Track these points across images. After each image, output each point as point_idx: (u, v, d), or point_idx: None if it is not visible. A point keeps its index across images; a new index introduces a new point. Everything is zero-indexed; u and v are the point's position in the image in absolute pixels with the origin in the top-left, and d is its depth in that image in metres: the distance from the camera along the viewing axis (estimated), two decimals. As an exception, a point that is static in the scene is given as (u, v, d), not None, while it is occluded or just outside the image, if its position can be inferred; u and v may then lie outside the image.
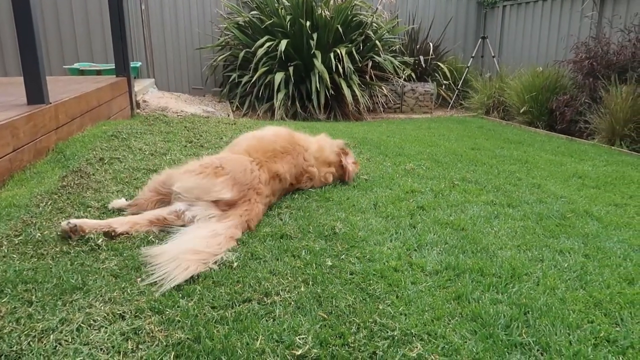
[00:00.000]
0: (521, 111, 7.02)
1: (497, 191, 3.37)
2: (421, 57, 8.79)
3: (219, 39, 8.26)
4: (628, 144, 5.41)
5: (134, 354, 1.47)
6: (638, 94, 5.44)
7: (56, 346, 1.48)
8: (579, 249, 2.43)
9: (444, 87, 8.94)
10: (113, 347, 1.49)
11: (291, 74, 7.24)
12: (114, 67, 5.96)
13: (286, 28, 7.42)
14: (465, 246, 2.37)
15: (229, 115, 6.97)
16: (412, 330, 1.64)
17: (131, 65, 5.91)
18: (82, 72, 6.81)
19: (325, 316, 1.71)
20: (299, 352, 1.50)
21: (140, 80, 7.70)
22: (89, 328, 1.57)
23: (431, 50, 8.90)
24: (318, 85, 7.20)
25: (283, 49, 7.08)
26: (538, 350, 1.60)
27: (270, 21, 7.55)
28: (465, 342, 1.61)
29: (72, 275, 1.89)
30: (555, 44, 7.81)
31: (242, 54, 7.64)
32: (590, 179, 3.87)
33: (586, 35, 7.06)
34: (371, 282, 1.97)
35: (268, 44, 7.30)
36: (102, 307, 1.68)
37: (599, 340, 1.67)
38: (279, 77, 7.22)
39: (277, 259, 2.13)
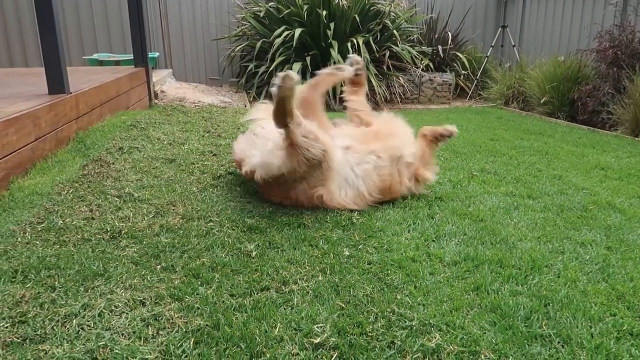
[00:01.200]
0: (542, 102, 6.89)
1: (517, 182, 3.32)
2: (439, 47, 8.67)
3: (236, 30, 8.26)
4: (652, 135, 5.29)
5: (154, 339, 1.49)
6: (664, 83, 5.30)
7: (79, 331, 1.51)
8: (601, 242, 2.39)
9: (462, 77, 8.82)
10: (134, 332, 1.51)
11: (308, 64, 7.21)
12: (132, 57, 6.01)
13: (303, 17, 7.38)
14: (484, 237, 2.35)
15: (245, 106, 6.98)
16: (431, 321, 1.63)
17: (149, 56, 5.95)
18: (101, 63, 6.88)
19: (343, 305, 1.71)
20: (317, 340, 1.50)
21: (158, 71, 7.75)
22: (110, 314, 1.60)
23: (450, 39, 8.77)
24: (335, 76, 7.16)
25: (297, 37, 7.04)
26: (559, 342, 1.58)
27: (288, 11, 7.52)
28: (485, 333, 1.59)
29: (94, 262, 1.92)
30: (578, 32, 7.63)
31: (259, 44, 7.62)
32: (613, 170, 3.79)
33: (610, 23, 6.88)
34: (389, 272, 1.96)
35: (285, 33, 7.27)
36: (123, 294, 1.71)
37: (622, 333, 1.64)
38: (296, 67, 7.19)
39: (295, 248, 2.13)
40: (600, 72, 6.52)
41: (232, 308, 1.66)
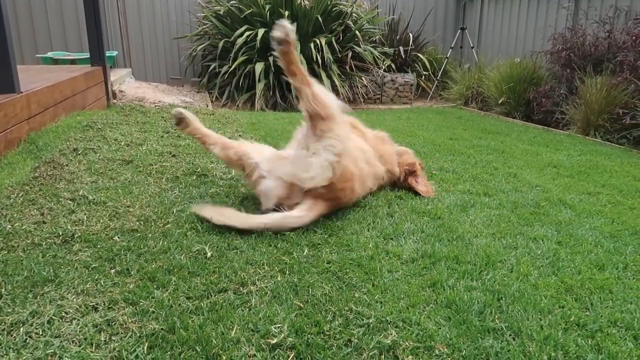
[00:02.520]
0: (499, 102, 7.09)
1: (474, 180, 3.40)
2: (401, 48, 8.80)
3: (197, 29, 8.14)
4: (602, 134, 5.52)
5: (106, 345, 1.45)
6: (612, 85, 5.54)
7: (26, 339, 1.45)
8: (552, 237, 2.47)
9: (423, 77, 8.98)
10: (85, 339, 1.47)
11: (271, 64, 7.18)
12: (89, 56, 5.83)
13: (265, 17, 7.35)
14: (441, 234, 2.39)
15: (207, 106, 6.90)
16: (388, 318, 1.65)
17: (107, 55, 5.79)
18: (55, 61, 6.65)
19: (302, 305, 1.71)
20: (274, 340, 1.50)
21: (117, 70, 7.56)
22: (60, 320, 1.54)
23: (411, 40, 8.91)
24: (298, 76, 7.15)
25: (260, 38, 7.01)
26: (510, 335, 1.63)
27: (250, 11, 7.47)
28: (440, 328, 1.63)
29: (44, 267, 1.86)
30: (533, 35, 7.89)
31: (221, 44, 7.54)
32: (565, 168, 3.94)
33: (563, 26, 7.15)
34: (348, 270, 1.97)
35: (247, 33, 7.22)
36: (75, 299, 1.66)
37: (569, 324, 1.71)
38: (259, 67, 7.15)
39: (254, 249, 2.12)
40: (554, 74, 6.77)
41: (189, 311, 1.63)
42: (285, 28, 2.31)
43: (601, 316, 1.76)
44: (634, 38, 5.61)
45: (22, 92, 3.59)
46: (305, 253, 2.10)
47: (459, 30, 9.17)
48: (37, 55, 7.09)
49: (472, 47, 8.80)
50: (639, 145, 5.14)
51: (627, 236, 2.54)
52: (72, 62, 6.59)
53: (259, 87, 7.11)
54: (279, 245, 2.17)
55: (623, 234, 2.57)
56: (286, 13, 7.23)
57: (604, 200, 3.14)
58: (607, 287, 1.97)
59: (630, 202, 3.14)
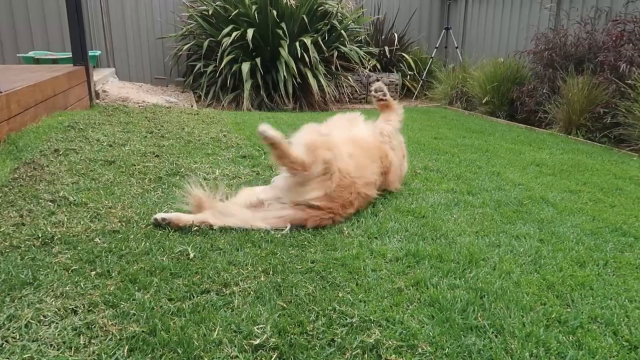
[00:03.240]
0: (483, 101, 7.14)
1: (458, 179, 3.42)
2: (386, 48, 8.82)
3: (182, 28, 8.08)
4: (584, 133, 5.59)
5: (85, 349, 1.43)
6: (593, 84, 5.62)
7: (2, 344, 1.42)
8: (534, 234, 2.50)
9: (408, 77, 9.01)
10: (64, 342, 1.44)
11: (258, 64, 7.15)
12: (71, 55, 5.75)
13: (252, 17, 7.31)
14: (425, 233, 2.40)
15: (192, 106, 6.85)
16: (371, 317, 1.65)
17: (90, 54, 5.72)
18: (37, 61, 6.55)
19: (285, 305, 1.70)
20: (257, 341, 1.49)
21: (100, 70, 7.46)
22: (38, 324, 1.52)
23: (396, 40, 8.94)
24: (285, 75, 7.14)
25: (250, 38, 6.97)
26: (493, 332, 1.64)
27: (236, 11, 7.43)
28: (423, 326, 1.63)
29: (22, 270, 1.82)
30: (516, 34, 7.97)
31: (206, 43, 7.48)
32: (547, 166, 3.98)
33: (546, 26, 7.23)
34: (332, 270, 1.97)
35: (234, 33, 7.18)
36: (53, 302, 1.63)
37: (551, 321, 1.73)
38: (246, 66, 7.11)
39: (238, 249, 2.11)
40: (537, 73, 6.84)
41: (170, 313, 1.61)
42: (265, 133, 2.44)
43: (582, 313, 1.79)
44: (613, 39, 5.70)
45: (1, 92, 3.53)
46: (289, 253, 2.09)
47: (444, 30, 9.23)
48: (18, 55, 6.98)
49: (457, 47, 8.86)
50: (620, 144, 5.22)
51: (607, 233, 2.58)
52: (54, 61, 6.50)
53: (246, 86, 7.07)
54: (262, 245, 2.16)
55: (604, 231, 2.61)
56: (274, 12, 7.21)
57: (585, 198, 3.18)
58: (588, 284, 2.00)
59: (610, 199, 3.18)
